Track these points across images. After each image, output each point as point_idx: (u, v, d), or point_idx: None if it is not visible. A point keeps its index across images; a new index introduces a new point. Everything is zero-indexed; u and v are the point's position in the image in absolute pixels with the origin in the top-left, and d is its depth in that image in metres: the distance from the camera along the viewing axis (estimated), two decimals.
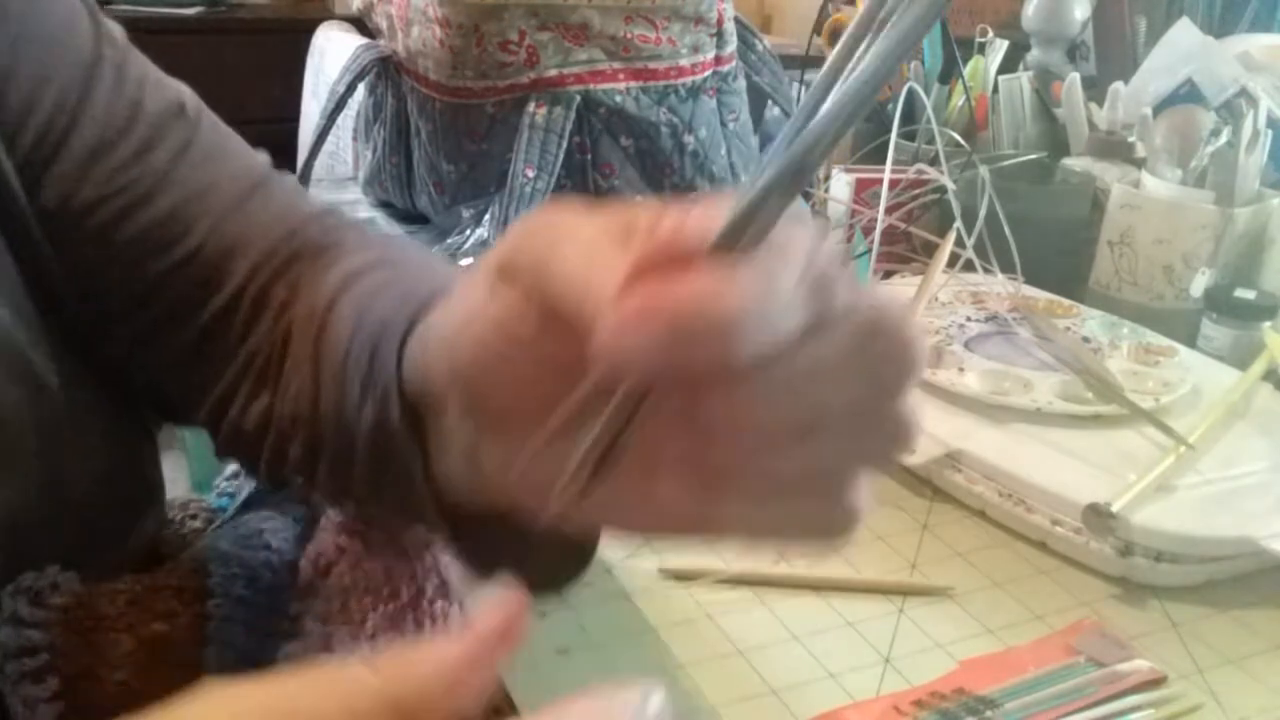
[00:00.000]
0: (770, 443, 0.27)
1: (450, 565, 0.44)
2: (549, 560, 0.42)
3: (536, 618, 0.49)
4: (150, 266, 0.45)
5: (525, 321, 0.29)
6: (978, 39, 1.10)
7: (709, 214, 0.24)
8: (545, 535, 0.39)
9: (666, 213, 0.26)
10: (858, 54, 0.23)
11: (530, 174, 0.85)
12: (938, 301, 0.75)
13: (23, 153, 0.42)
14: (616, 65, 0.89)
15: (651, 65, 0.89)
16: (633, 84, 0.89)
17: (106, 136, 0.44)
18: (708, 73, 0.93)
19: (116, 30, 0.46)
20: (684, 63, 0.91)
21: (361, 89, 0.99)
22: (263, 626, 0.41)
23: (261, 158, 0.50)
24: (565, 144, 0.86)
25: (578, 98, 0.87)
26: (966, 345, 0.68)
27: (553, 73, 0.87)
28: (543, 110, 0.86)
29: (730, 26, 0.95)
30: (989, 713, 0.43)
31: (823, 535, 0.29)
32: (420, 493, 0.38)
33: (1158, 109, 0.94)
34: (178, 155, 0.46)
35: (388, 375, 0.38)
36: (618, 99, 0.88)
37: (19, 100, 0.42)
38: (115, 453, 0.46)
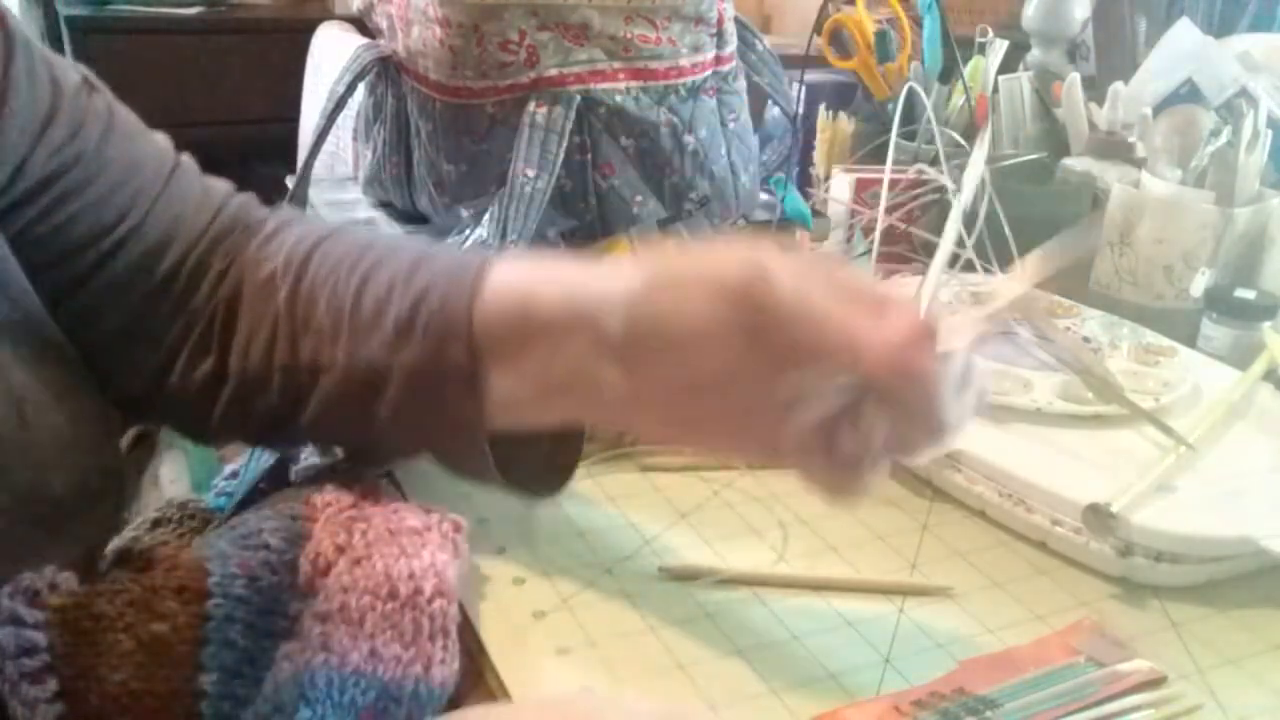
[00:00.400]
0: (898, 438, 0.40)
1: (449, 565, 0.44)
2: (554, 459, 0.53)
3: (536, 617, 0.49)
4: (92, 249, 0.46)
5: (737, 334, 0.40)
6: (978, 39, 1.10)
7: (930, 313, 0.41)
8: (539, 443, 0.52)
9: (902, 295, 0.42)
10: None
11: (530, 174, 0.85)
12: (938, 301, 0.75)
13: None
14: (616, 65, 0.88)
15: (651, 65, 0.89)
16: (633, 84, 0.89)
17: (38, 117, 0.44)
18: (708, 73, 0.93)
19: (4, 4, 0.46)
20: (684, 63, 0.91)
21: (361, 89, 0.99)
22: (262, 626, 0.41)
23: (161, 135, 0.52)
24: (565, 144, 0.86)
25: (578, 98, 0.87)
26: None
27: (553, 72, 0.87)
28: (543, 110, 0.86)
29: (730, 26, 0.95)
30: (989, 713, 0.43)
31: (856, 496, 0.42)
32: (472, 416, 0.45)
33: (1158, 109, 0.94)
34: (104, 134, 0.47)
35: (451, 318, 0.44)
36: (618, 99, 0.88)
37: None
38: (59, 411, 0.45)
